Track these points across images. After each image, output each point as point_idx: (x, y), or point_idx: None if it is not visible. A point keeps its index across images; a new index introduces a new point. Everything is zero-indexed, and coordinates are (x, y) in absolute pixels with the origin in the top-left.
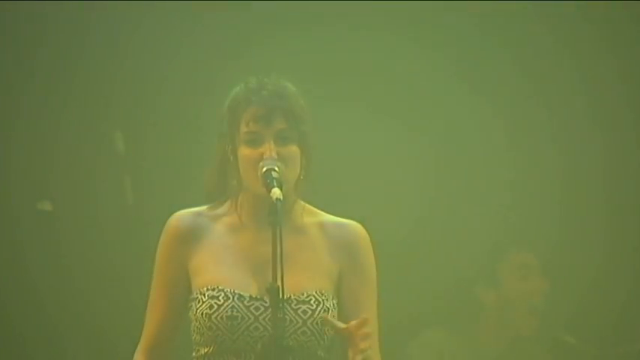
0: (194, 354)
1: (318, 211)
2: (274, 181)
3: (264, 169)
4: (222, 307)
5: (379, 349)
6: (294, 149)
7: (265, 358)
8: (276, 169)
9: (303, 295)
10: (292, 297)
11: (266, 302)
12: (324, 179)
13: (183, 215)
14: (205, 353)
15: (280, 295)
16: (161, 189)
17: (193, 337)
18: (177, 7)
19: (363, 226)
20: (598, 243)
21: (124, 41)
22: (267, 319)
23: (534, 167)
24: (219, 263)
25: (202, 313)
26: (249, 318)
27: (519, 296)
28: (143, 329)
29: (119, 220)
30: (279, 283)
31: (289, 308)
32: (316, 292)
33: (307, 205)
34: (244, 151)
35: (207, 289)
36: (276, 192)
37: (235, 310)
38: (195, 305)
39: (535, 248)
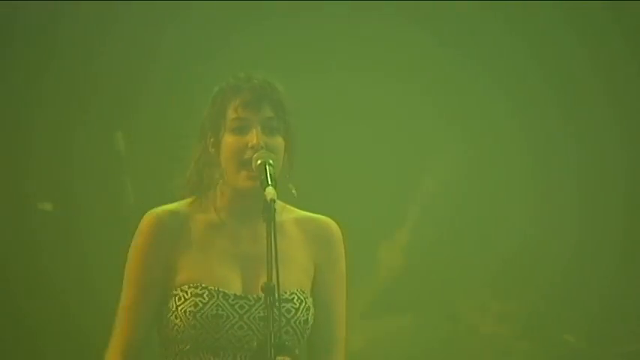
0: (165, 351)
1: (292, 207)
2: (269, 178)
3: (259, 161)
4: (207, 306)
5: (344, 345)
6: (279, 141)
7: (262, 357)
8: (271, 161)
9: (286, 293)
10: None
11: (250, 301)
12: (313, 180)
13: (159, 214)
14: (181, 350)
15: (276, 294)
16: (161, 189)
17: (167, 333)
18: (182, 9)
19: (336, 221)
20: (602, 245)
21: (125, 42)
22: (251, 317)
23: (553, 171)
24: (200, 261)
25: (185, 311)
26: (234, 317)
27: None
28: (116, 329)
29: (119, 220)
30: (274, 281)
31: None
32: (298, 291)
33: (281, 202)
34: (229, 139)
35: (190, 287)
36: (270, 191)
37: (221, 308)
38: (176, 302)
39: (541, 249)
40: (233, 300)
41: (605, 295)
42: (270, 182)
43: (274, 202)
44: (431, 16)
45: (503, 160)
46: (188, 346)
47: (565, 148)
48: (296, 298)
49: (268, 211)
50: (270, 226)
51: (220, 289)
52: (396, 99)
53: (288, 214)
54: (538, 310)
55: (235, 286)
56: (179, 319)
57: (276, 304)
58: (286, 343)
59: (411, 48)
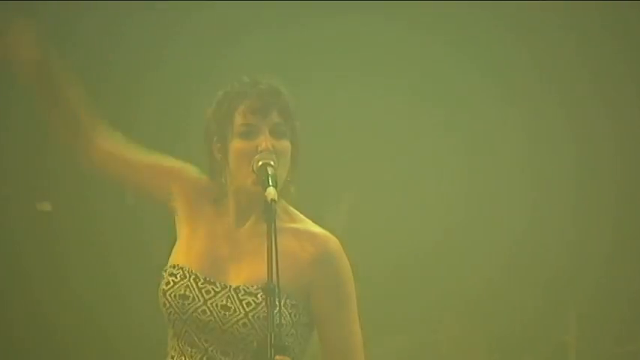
0: (169, 338)
1: (298, 214)
2: (270, 178)
3: (260, 162)
4: (177, 285)
5: None
6: (287, 145)
7: (260, 357)
8: (272, 163)
9: (252, 287)
10: (241, 287)
11: (217, 287)
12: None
13: (202, 178)
14: (173, 335)
15: (276, 296)
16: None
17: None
18: (185, 11)
19: (338, 238)
20: (600, 244)
21: (124, 41)
22: (214, 304)
23: (549, 172)
24: (191, 247)
25: (160, 290)
26: (199, 300)
27: None
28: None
29: (119, 220)
30: (274, 282)
31: (235, 297)
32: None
33: (289, 206)
34: (237, 145)
35: (170, 267)
36: (271, 192)
37: (189, 289)
38: (160, 284)
39: (540, 250)
40: (202, 283)
41: (606, 296)
42: (270, 183)
43: (275, 202)
44: (432, 19)
45: (501, 160)
46: (173, 331)
47: (562, 148)
48: (261, 293)
49: (269, 211)
50: (271, 226)
51: (194, 272)
52: (390, 101)
53: (290, 221)
54: (536, 312)
55: (210, 272)
56: (159, 300)
57: (277, 305)
58: (285, 343)
59: (409, 51)
